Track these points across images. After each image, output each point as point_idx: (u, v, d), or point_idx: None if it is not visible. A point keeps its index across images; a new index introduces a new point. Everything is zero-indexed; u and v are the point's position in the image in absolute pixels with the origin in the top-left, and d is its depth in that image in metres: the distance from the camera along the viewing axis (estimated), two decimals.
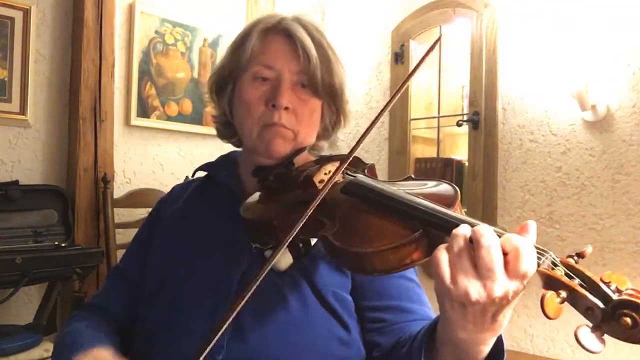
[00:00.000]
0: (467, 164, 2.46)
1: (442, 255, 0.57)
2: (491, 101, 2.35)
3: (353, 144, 0.76)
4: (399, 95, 0.78)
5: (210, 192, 1.02)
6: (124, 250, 2.25)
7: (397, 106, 2.68)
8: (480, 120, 2.36)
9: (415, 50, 2.66)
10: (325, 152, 1.06)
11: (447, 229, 0.60)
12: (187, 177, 2.53)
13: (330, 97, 0.95)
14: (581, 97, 2.00)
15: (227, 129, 1.01)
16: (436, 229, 0.62)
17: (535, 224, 0.59)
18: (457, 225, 0.59)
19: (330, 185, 0.71)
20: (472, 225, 0.58)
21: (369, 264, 0.64)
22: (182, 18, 2.78)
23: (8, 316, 2.19)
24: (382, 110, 0.78)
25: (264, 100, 0.90)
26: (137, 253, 1.04)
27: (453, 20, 2.48)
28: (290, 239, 0.67)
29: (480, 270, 0.55)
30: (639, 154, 1.96)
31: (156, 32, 2.68)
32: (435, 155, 2.64)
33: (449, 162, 2.62)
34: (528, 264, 0.54)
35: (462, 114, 2.49)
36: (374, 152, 2.77)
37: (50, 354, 1.91)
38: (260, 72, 0.91)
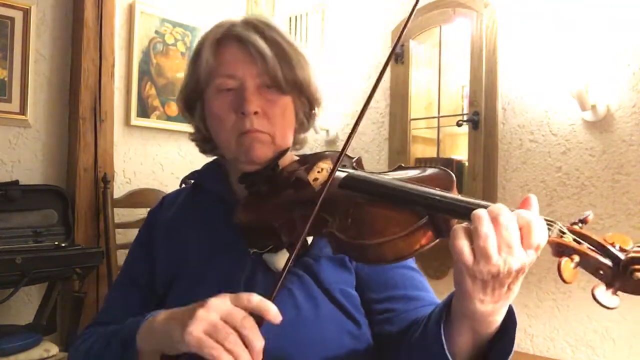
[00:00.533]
0: (467, 164, 2.45)
1: (461, 241, 0.59)
2: (491, 101, 2.34)
3: (353, 143, 0.77)
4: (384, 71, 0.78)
5: (201, 198, 1.01)
6: (124, 250, 2.28)
7: (397, 106, 2.68)
8: (480, 120, 2.36)
9: (415, 50, 2.66)
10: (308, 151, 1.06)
11: (453, 211, 0.63)
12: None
13: (298, 90, 0.94)
14: (581, 97, 1.99)
15: (206, 144, 1.01)
16: (442, 212, 0.64)
17: (536, 197, 0.64)
18: (464, 207, 0.62)
19: (330, 181, 0.72)
20: (477, 206, 0.61)
21: (378, 254, 0.66)
22: (182, 18, 2.78)
23: (8, 316, 2.19)
24: (373, 89, 0.77)
25: (232, 109, 0.90)
26: (139, 261, 1.01)
27: (453, 20, 2.48)
28: (303, 238, 0.69)
29: (500, 246, 0.58)
30: (639, 154, 1.96)
31: (156, 32, 2.68)
32: (435, 155, 2.64)
33: (449, 162, 2.61)
34: (540, 235, 0.59)
35: (462, 114, 2.49)
36: (374, 152, 2.77)
37: (50, 354, 1.92)
38: (224, 84, 0.91)
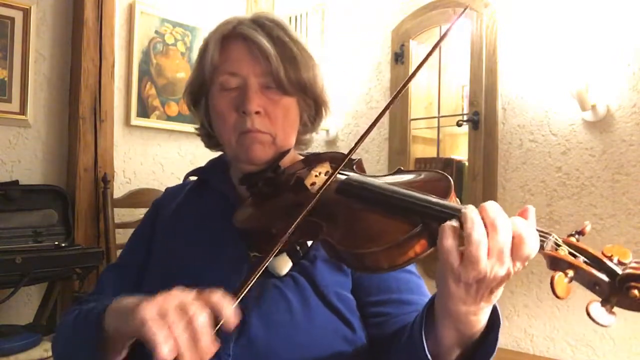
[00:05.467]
0: (467, 164, 2.45)
1: (450, 242, 0.58)
2: (491, 101, 2.34)
3: (353, 144, 0.76)
4: (400, 94, 0.79)
5: (205, 194, 1.02)
6: None
7: (397, 106, 2.68)
8: (480, 120, 2.36)
9: (415, 50, 2.66)
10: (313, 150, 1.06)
11: (447, 219, 0.61)
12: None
13: (302, 92, 0.93)
14: (581, 97, 2.00)
15: (210, 140, 1.01)
16: (436, 220, 0.62)
17: (534, 209, 0.62)
18: (458, 216, 0.60)
19: (324, 188, 0.72)
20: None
21: (373, 262, 0.65)
22: (182, 18, 2.78)
23: (8, 316, 2.19)
24: (382, 112, 0.77)
25: (234, 108, 0.90)
26: (136, 249, 1.02)
27: (453, 20, 2.48)
28: (280, 246, 0.68)
29: (491, 252, 0.57)
30: (639, 154, 1.96)
31: (156, 32, 2.68)
32: (435, 155, 2.64)
33: (449, 162, 2.61)
34: (532, 247, 0.57)
35: (462, 114, 2.49)
36: (374, 152, 2.77)
37: (50, 354, 1.92)
38: (227, 82, 0.90)
